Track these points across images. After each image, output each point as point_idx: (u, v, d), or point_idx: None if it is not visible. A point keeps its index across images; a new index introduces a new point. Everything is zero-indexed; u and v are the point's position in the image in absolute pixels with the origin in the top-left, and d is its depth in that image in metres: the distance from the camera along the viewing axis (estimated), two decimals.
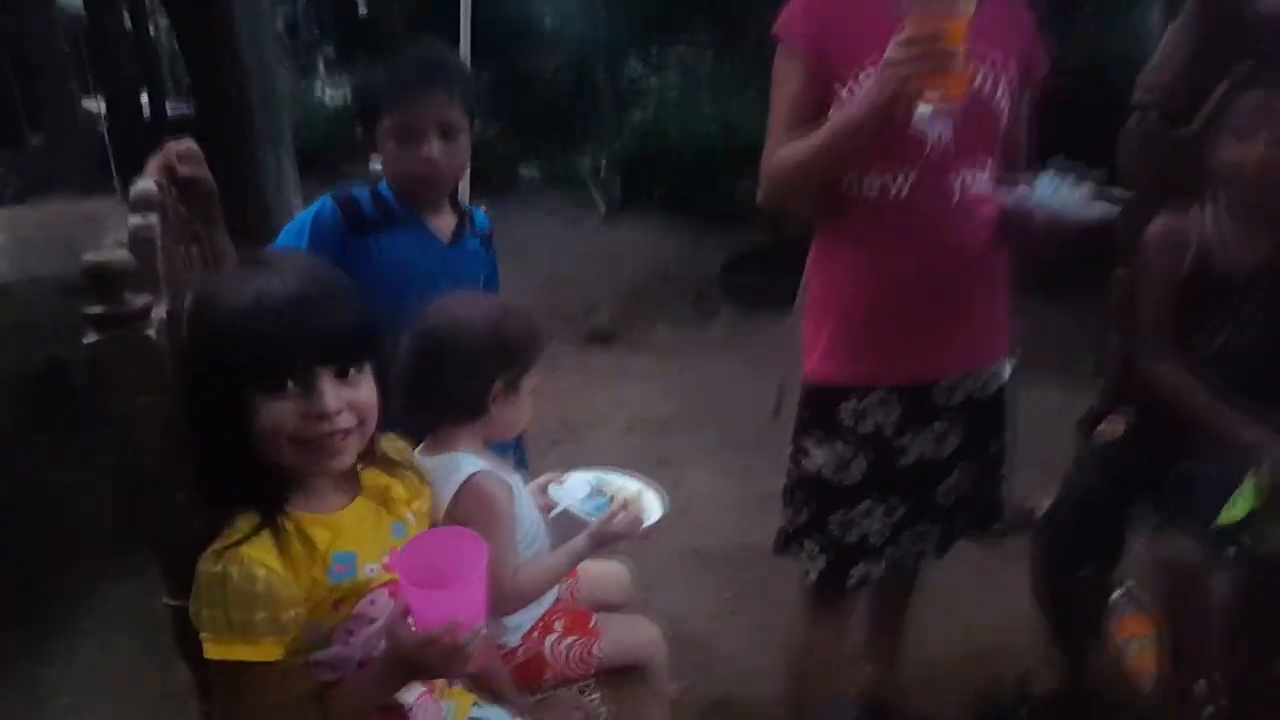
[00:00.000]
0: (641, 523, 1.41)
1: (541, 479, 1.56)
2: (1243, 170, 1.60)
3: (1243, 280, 1.66)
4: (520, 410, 1.40)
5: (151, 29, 7.56)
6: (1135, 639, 1.86)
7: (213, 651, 0.98)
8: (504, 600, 1.30)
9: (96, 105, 8.61)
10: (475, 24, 6.19)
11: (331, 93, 8.70)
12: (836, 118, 1.44)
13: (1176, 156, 1.78)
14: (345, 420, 1.01)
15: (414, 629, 1.04)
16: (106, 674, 2.33)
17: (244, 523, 1.01)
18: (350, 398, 1.02)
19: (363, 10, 10.98)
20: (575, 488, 1.55)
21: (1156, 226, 1.74)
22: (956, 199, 1.50)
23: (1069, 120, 1.81)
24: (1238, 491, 1.56)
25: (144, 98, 8.66)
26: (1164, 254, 1.72)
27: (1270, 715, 1.62)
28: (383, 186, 1.66)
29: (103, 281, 0.93)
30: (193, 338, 1.02)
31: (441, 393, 1.33)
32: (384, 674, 1.07)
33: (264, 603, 0.98)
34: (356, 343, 1.02)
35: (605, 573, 1.61)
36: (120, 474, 0.99)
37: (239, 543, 0.99)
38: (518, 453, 1.72)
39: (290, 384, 0.97)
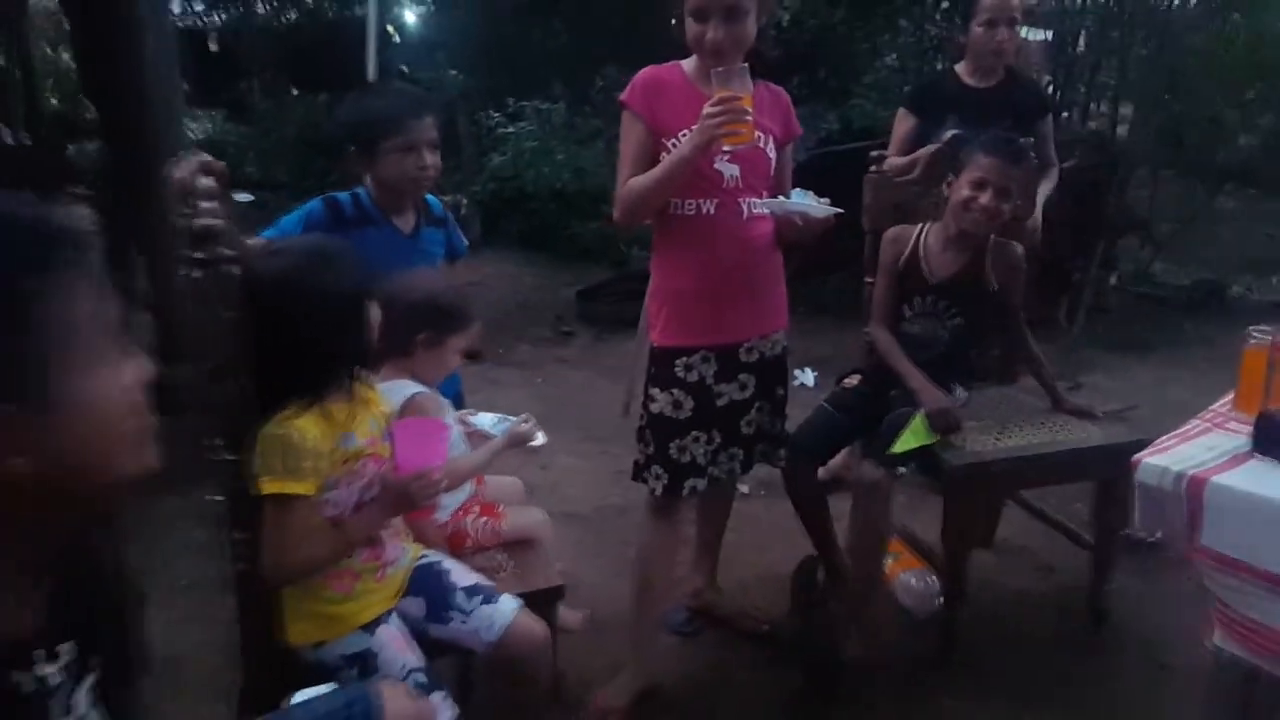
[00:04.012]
0: (538, 430, 2.00)
1: (459, 413, 2.11)
2: (952, 204, 2.40)
3: (938, 282, 2.45)
4: (443, 361, 1.92)
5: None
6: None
7: (269, 487, 1.48)
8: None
9: None
10: (346, 72, 6.62)
11: (193, 127, 8.82)
12: (666, 161, 2.01)
13: (900, 197, 2.72)
14: None
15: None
16: None
17: (294, 406, 1.51)
18: None
19: (214, 47, 11.16)
20: (485, 418, 2.12)
21: (889, 232, 2.55)
22: (745, 215, 2.12)
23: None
24: (907, 427, 2.25)
25: None
26: (889, 250, 2.53)
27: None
28: (362, 192, 2.09)
29: (203, 239, 1.43)
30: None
31: (389, 335, 1.78)
32: (380, 506, 1.61)
33: (310, 454, 1.49)
34: None
35: (504, 483, 2.18)
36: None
37: (291, 417, 1.50)
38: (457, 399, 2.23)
39: None
